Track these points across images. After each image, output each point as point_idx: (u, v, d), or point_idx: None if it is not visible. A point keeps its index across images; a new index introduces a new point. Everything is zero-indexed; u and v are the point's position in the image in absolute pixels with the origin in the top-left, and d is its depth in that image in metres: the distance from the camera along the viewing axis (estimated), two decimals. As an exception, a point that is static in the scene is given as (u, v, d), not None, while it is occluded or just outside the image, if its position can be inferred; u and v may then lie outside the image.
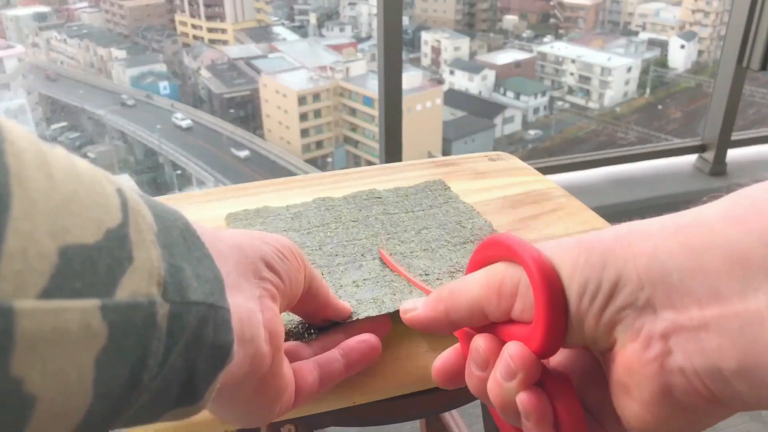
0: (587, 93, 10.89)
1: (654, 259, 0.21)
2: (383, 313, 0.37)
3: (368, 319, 0.36)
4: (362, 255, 0.45)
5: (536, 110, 10.64)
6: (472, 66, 10.57)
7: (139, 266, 0.18)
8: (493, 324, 0.25)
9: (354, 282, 0.42)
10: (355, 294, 0.40)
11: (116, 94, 8.32)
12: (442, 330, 0.27)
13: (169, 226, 0.21)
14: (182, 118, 8.69)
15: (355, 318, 0.36)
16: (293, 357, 0.32)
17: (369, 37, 9.49)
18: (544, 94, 10.83)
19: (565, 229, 0.51)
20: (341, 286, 0.41)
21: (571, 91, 10.94)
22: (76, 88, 8.17)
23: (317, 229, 0.49)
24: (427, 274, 0.43)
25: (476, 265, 0.26)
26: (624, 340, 0.21)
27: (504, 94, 10.39)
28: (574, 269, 0.22)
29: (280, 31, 9.64)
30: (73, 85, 8.24)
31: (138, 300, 0.18)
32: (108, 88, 8.35)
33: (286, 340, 0.34)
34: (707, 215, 0.21)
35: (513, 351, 0.23)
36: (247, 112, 9.19)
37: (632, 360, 0.21)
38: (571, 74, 10.88)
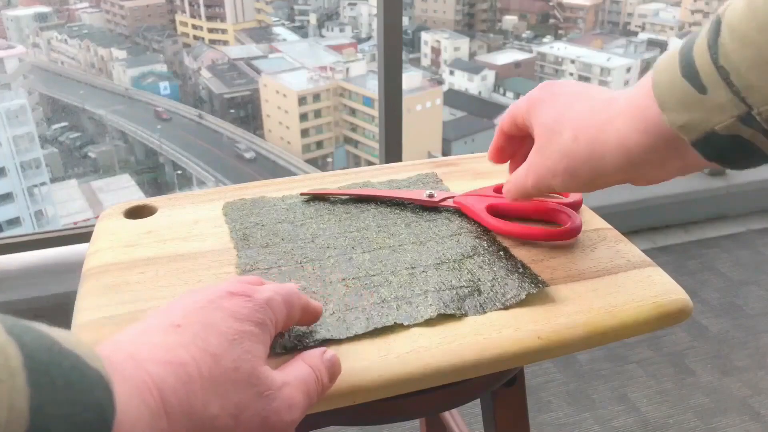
0: (587, 93, 10.86)
1: None
2: (370, 329, 0.38)
3: None
4: (352, 248, 0.46)
5: (536, 110, 10.61)
6: (471, 66, 10.56)
7: None
8: None
9: (343, 280, 0.42)
10: (344, 297, 0.40)
11: (115, 94, 8.26)
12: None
13: None
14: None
15: (344, 336, 0.37)
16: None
17: (369, 38, 9.48)
18: (544, 94, 10.80)
19: (564, 229, 0.51)
20: (330, 282, 0.42)
21: (571, 91, 10.92)
22: (78, 89, 8.14)
23: (311, 220, 0.50)
24: (413, 267, 0.43)
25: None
26: None
27: (504, 95, 10.37)
28: None
29: (281, 31, 9.63)
30: (75, 85, 8.18)
31: None
32: (108, 88, 8.33)
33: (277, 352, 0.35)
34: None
35: None
36: (247, 112, 9.19)
37: None
38: (571, 74, 10.87)
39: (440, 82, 10.31)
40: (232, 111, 8.88)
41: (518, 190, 0.43)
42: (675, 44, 0.32)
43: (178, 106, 7.54)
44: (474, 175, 0.59)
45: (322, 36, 9.68)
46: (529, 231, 0.47)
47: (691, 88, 0.30)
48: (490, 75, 10.73)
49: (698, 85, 0.29)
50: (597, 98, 0.38)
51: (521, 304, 0.41)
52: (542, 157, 0.40)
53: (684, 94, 0.30)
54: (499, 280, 0.42)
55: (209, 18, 9.42)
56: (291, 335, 0.37)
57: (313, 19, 9.79)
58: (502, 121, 0.46)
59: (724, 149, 0.30)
